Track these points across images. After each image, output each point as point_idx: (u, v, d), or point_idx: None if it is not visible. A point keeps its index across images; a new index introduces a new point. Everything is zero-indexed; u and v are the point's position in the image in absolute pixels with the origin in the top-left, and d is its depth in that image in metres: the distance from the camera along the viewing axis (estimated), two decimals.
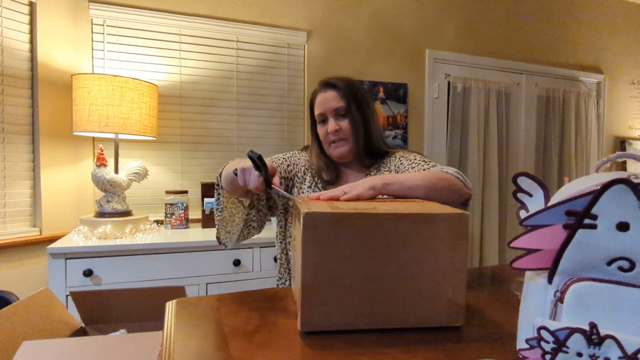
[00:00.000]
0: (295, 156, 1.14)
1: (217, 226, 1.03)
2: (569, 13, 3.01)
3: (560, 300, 0.44)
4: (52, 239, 1.64)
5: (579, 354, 0.41)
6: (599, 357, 0.40)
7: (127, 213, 1.72)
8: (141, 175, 1.78)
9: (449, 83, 2.65)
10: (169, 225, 1.87)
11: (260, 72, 2.21)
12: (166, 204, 1.87)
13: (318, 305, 0.59)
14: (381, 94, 2.44)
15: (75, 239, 1.56)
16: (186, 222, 1.90)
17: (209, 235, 1.72)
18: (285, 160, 1.11)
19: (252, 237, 1.09)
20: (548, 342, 0.42)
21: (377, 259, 0.60)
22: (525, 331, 0.48)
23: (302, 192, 1.08)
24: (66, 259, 1.46)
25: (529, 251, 0.45)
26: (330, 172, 1.09)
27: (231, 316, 0.66)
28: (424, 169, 0.96)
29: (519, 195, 0.50)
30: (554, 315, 0.44)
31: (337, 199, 0.73)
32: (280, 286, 1.12)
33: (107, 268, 1.51)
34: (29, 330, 0.82)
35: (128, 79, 1.65)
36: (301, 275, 0.58)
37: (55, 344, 0.74)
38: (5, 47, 1.64)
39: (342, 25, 2.36)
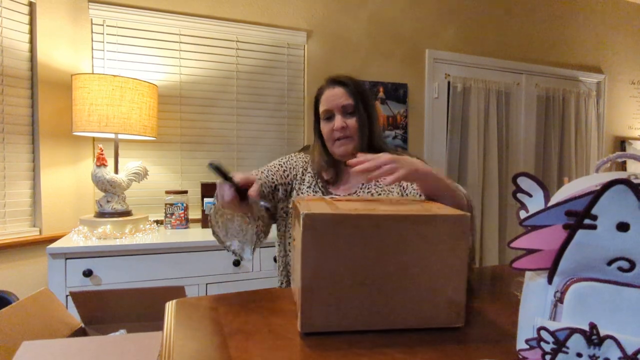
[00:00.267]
0: (292, 159, 1.14)
1: (225, 240, 1.00)
2: (569, 13, 3.01)
3: (560, 300, 0.44)
4: (52, 239, 1.64)
5: (579, 355, 0.41)
6: (598, 357, 0.40)
7: (127, 213, 1.72)
8: (141, 175, 1.78)
9: (448, 83, 2.65)
10: (168, 226, 1.87)
11: (260, 72, 2.21)
12: (166, 204, 1.87)
13: (318, 306, 0.59)
14: (381, 94, 2.44)
15: (75, 239, 1.56)
16: (186, 222, 1.90)
17: (209, 235, 1.71)
18: (281, 167, 1.10)
19: None
20: (548, 343, 0.42)
21: (377, 259, 0.59)
22: (525, 331, 0.48)
23: (302, 193, 1.08)
24: (66, 259, 1.46)
25: (529, 251, 0.45)
26: (331, 171, 1.09)
27: (231, 316, 0.66)
28: None
29: (519, 195, 0.50)
30: (553, 316, 0.44)
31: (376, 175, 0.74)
32: (280, 287, 1.12)
33: (107, 268, 1.50)
34: (29, 330, 0.82)
35: (128, 79, 1.65)
36: (301, 276, 0.58)
37: (55, 344, 0.74)
38: (5, 47, 1.64)
39: (342, 26, 2.36)
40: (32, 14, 1.73)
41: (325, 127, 1.06)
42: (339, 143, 1.05)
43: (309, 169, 1.12)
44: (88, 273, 1.47)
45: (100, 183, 1.65)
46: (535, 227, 0.45)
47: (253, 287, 0.80)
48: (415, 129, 2.56)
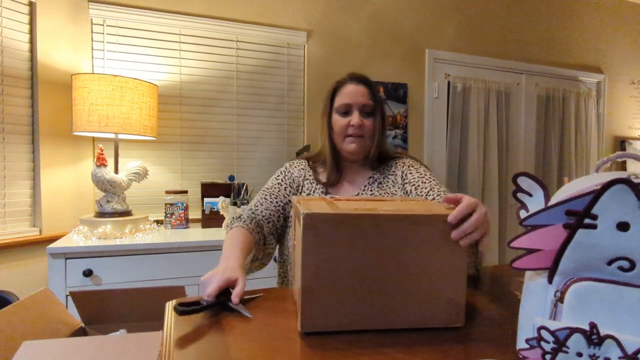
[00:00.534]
0: (288, 171, 1.11)
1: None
2: (569, 13, 3.01)
3: (561, 300, 0.44)
4: (52, 239, 1.64)
5: (579, 354, 0.41)
6: (599, 357, 0.40)
7: (127, 213, 1.72)
8: (141, 175, 1.78)
9: (448, 83, 2.65)
10: (168, 225, 1.87)
11: (260, 72, 2.21)
12: (166, 204, 1.87)
13: (318, 306, 0.59)
14: (381, 94, 2.44)
15: (75, 239, 1.56)
16: (186, 222, 1.90)
17: (209, 235, 1.72)
18: (280, 185, 1.07)
19: None
20: (548, 342, 0.42)
21: (377, 259, 0.59)
22: (525, 331, 0.48)
23: None
24: (66, 259, 1.46)
25: (529, 251, 0.45)
26: (334, 169, 1.07)
27: (231, 316, 0.66)
28: (438, 189, 0.97)
29: (519, 195, 0.50)
30: (554, 315, 0.44)
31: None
32: (280, 287, 1.12)
33: (107, 268, 1.50)
34: (29, 330, 0.82)
35: (128, 79, 1.65)
36: (301, 276, 0.58)
37: (55, 344, 0.74)
38: (5, 47, 1.64)
39: (342, 25, 2.35)
40: (32, 13, 1.73)
41: (339, 120, 1.04)
42: (350, 139, 1.04)
43: (307, 175, 1.10)
44: (88, 273, 1.46)
45: (100, 183, 1.65)
46: (535, 227, 0.45)
47: (253, 287, 0.80)
48: (415, 128, 2.56)
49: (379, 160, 1.11)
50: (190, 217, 1.94)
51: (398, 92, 2.49)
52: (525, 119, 2.88)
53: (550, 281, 0.45)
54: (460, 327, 0.62)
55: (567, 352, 0.41)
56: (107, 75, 1.62)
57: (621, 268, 0.41)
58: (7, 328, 0.78)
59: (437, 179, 1.05)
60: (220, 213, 1.85)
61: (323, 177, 1.09)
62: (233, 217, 1.02)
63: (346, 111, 1.04)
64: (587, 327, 0.40)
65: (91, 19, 1.89)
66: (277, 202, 1.04)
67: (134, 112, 1.67)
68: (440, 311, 0.62)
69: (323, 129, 1.09)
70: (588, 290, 0.42)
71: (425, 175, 1.03)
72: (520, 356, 0.48)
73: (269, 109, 2.24)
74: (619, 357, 0.40)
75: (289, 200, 1.06)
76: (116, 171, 1.74)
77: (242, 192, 1.95)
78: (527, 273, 0.50)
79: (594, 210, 0.40)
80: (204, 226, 1.92)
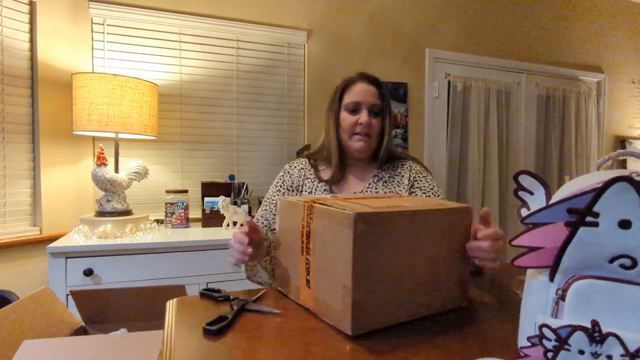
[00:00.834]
0: (287, 174, 1.12)
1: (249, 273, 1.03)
2: (569, 12, 3.01)
3: (562, 298, 0.44)
4: (52, 238, 1.64)
5: (581, 352, 0.41)
6: (601, 354, 0.40)
7: (127, 212, 1.72)
8: (141, 174, 1.78)
9: (449, 82, 2.64)
10: (169, 225, 1.87)
11: (260, 71, 2.21)
12: (166, 203, 1.87)
13: (365, 307, 0.58)
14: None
15: (76, 239, 1.56)
16: (186, 222, 1.90)
17: (209, 234, 1.72)
18: (280, 190, 1.11)
19: None
20: (550, 340, 0.42)
21: (411, 251, 0.63)
22: (527, 329, 0.48)
23: None
24: (66, 258, 1.46)
25: (531, 249, 0.45)
26: (339, 165, 1.08)
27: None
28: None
29: (520, 193, 0.50)
30: (555, 313, 0.44)
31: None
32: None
33: (107, 267, 1.50)
34: (29, 330, 0.81)
35: (128, 78, 1.65)
36: (352, 278, 0.57)
37: (56, 343, 0.74)
38: (5, 46, 1.64)
39: (342, 25, 2.35)
40: (32, 13, 1.73)
41: (347, 118, 1.06)
42: (357, 137, 1.05)
43: (307, 174, 1.11)
44: (88, 272, 1.46)
45: (101, 182, 1.65)
46: (536, 225, 0.45)
47: (253, 287, 0.80)
48: (416, 128, 2.56)
49: (386, 159, 1.13)
50: (190, 216, 1.94)
51: (398, 92, 2.49)
52: (525, 119, 2.88)
53: (551, 279, 0.45)
54: (460, 327, 0.62)
55: (569, 350, 0.41)
56: (107, 75, 1.62)
57: (623, 266, 0.41)
58: (8, 327, 0.78)
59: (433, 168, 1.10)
60: (221, 212, 1.85)
61: (325, 175, 1.10)
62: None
63: (355, 109, 1.05)
64: (589, 325, 0.40)
65: (91, 18, 1.89)
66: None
67: (134, 111, 1.66)
68: (454, 292, 0.70)
69: (329, 126, 1.09)
70: (590, 288, 0.42)
71: (434, 187, 1.09)
72: (522, 354, 0.48)
73: (269, 108, 2.24)
74: (621, 355, 0.39)
75: None
76: (116, 170, 1.74)
77: (243, 192, 1.95)
78: (529, 271, 0.50)
79: (596, 208, 0.40)
80: (204, 225, 1.92)
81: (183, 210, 1.88)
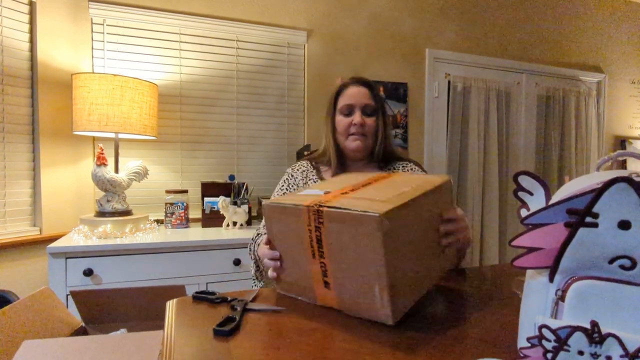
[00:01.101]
0: (290, 178, 1.16)
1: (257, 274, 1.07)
2: (569, 12, 3.01)
3: (562, 298, 0.44)
4: (52, 239, 1.64)
5: (581, 353, 0.41)
6: (600, 355, 0.40)
7: (127, 212, 1.72)
8: (141, 174, 1.78)
9: (449, 82, 2.65)
10: (169, 225, 1.87)
11: (260, 71, 2.21)
12: (166, 204, 1.87)
13: (399, 293, 0.62)
14: (381, 93, 2.44)
15: (76, 239, 1.56)
16: (186, 222, 1.90)
17: (209, 234, 1.72)
18: (288, 190, 1.13)
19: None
20: (549, 341, 0.42)
21: (421, 234, 0.67)
22: (526, 330, 0.48)
23: None
24: (66, 258, 1.46)
25: (530, 250, 0.45)
26: (338, 167, 1.11)
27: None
28: None
29: (520, 193, 0.50)
30: (555, 314, 0.44)
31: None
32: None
33: (107, 267, 1.50)
34: (29, 330, 0.81)
35: (128, 79, 1.65)
36: (386, 275, 0.59)
37: (56, 343, 0.74)
38: (5, 46, 1.64)
39: (342, 25, 2.35)
40: (32, 13, 1.73)
41: (342, 120, 1.10)
42: (353, 137, 1.08)
43: (310, 176, 1.13)
44: (88, 272, 1.46)
45: (101, 182, 1.65)
46: (536, 226, 0.45)
47: (244, 288, 0.80)
48: (415, 128, 2.56)
49: (385, 159, 1.14)
50: (190, 216, 1.94)
51: (398, 92, 2.49)
52: (525, 119, 2.88)
53: (551, 280, 0.45)
54: (461, 325, 0.62)
55: (568, 351, 0.41)
56: (107, 75, 1.62)
57: (622, 267, 0.41)
58: (8, 327, 0.78)
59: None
60: (221, 212, 1.85)
61: (326, 176, 1.12)
62: (254, 235, 1.10)
63: (349, 112, 1.09)
64: (588, 326, 0.40)
65: (91, 19, 1.89)
66: None
67: (134, 111, 1.66)
68: (449, 259, 0.76)
69: (327, 130, 1.14)
70: (589, 289, 0.42)
71: None
72: (522, 355, 0.48)
73: (269, 108, 2.24)
74: (621, 356, 0.39)
75: None
76: (116, 170, 1.74)
77: (242, 192, 1.95)
78: (528, 272, 0.50)
79: (595, 209, 0.40)
80: (204, 225, 1.92)
81: (183, 211, 1.88)
